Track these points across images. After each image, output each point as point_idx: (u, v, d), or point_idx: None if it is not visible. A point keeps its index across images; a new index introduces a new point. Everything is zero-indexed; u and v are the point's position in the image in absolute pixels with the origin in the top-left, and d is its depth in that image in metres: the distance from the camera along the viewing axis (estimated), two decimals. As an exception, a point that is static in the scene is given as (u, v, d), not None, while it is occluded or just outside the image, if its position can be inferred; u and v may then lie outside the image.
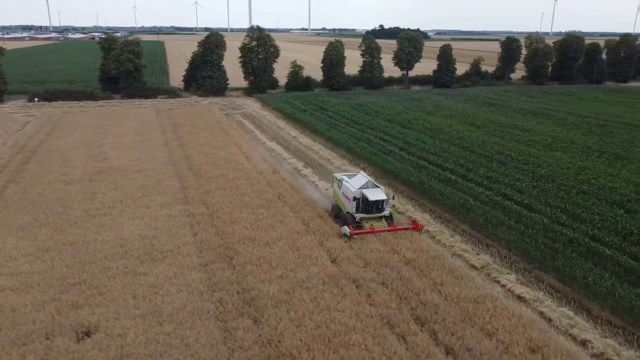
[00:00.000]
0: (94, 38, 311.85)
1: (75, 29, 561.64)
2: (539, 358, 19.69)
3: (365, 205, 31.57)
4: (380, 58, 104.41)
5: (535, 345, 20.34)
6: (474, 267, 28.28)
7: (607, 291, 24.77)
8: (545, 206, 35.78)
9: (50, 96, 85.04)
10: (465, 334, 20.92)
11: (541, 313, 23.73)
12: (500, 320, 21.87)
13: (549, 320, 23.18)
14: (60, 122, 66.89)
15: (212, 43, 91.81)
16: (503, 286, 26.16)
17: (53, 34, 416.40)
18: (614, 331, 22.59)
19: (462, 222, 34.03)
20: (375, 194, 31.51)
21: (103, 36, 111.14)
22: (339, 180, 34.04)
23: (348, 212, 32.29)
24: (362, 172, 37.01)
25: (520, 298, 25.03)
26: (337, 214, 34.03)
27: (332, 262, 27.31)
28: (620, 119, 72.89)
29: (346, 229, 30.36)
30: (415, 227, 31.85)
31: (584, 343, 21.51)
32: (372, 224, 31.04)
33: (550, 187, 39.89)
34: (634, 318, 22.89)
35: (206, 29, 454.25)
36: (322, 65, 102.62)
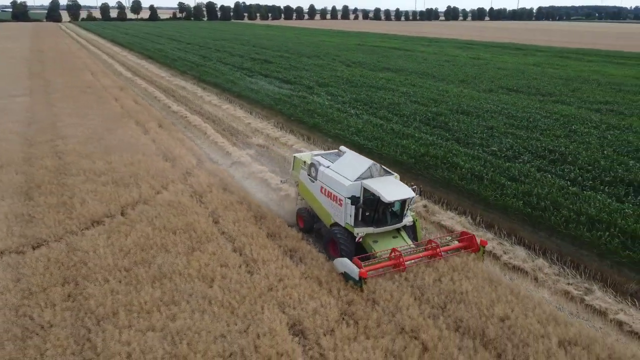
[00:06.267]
0: None
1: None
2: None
3: (375, 211, 15.88)
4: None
5: None
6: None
7: None
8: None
9: None
10: None
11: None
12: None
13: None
14: None
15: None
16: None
17: None
18: None
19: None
20: (394, 190, 15.62)
21: None
22: (312, 165, 17.95)
23: (336, 226, 16.64)
24: (346, 148, 19.66)
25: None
26: (310, 226, 18.77)
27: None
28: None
29: (351, 268, 14.37)
30: (471, 244, 15.83)
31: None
32: (395, 251, 15.01)
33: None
34: None
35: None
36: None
